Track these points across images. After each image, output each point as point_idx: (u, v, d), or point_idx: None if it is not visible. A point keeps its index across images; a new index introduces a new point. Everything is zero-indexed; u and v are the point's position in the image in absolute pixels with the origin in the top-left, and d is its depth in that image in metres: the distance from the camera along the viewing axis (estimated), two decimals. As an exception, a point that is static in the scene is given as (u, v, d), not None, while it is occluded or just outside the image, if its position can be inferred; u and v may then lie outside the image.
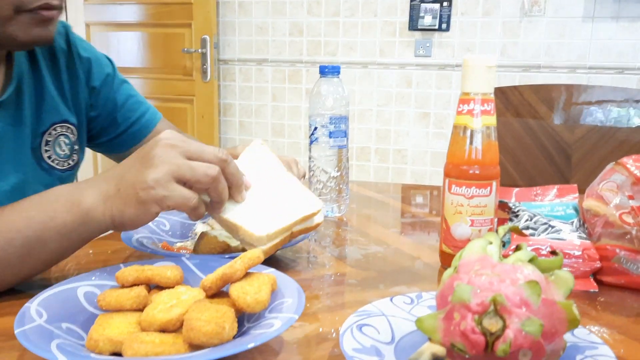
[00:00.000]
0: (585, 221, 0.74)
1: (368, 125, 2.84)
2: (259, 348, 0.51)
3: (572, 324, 0.42)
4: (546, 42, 2.54)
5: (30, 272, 0.62)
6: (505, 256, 0.47)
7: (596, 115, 1.40)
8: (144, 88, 3.01)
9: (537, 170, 1.44)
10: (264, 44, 2.94)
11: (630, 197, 0.65)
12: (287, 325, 0.47)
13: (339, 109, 0.93)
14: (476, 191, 0.67)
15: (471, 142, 0.68)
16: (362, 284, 0.68)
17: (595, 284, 0.66)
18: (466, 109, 0.68)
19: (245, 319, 0.52)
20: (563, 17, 2.50)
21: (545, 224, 0.73)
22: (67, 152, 0.87)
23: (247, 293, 0.49)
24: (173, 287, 0.54)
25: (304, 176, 0.90)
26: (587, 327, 0.57)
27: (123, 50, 3.03)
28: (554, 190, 0.87)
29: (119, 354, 0.46)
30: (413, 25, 2.68)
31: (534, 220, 0.75)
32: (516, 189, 0.91)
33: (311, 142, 0.95)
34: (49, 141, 0.84)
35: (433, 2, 2.62)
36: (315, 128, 0.93)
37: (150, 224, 0.70)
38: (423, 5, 2.64)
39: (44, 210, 0.59)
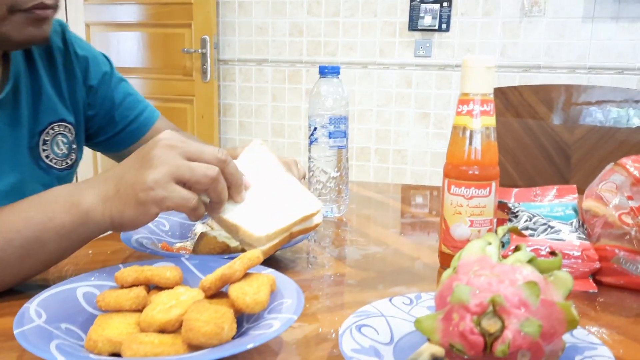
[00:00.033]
0: (584, 222, 0.74)
1: (368, 125, 2.84)
2: (258, 349, 0.51)
3: (571, 324, 0.42)
4: (546, 42, 2.54)
5: (30, 273, 0.62)
6: (505, 257, 0.47)
7: (596, 116, 1.40)
8: (144, 88, 3.01)
9: (536, 171, 1.44)
10: (263, 44, 2.94)
11: (630, 198, 0.65)
12: (286, 325, 0.47)
13: (339, 109, 0.93)
14: (475, 192, 0.67)
15: (470, 143, 0.68)
16: (362, 284, 0.68)
17: (594, 285, 0.66)
18: (465, 109, 0.68)
19: (244, 320, 0.52)
20: (563, 18, 2.50)
21: (544, 224, 0.73)
22: (65, 151, 0.87)
23: (246, 294, 0.49)
24: (172, 288, 0.54)
25: (304, 177, 0.90)
26: (586, 327, 0.57)
27: (123, 50, 3.04)
28: (553, 190, 0.87)
29: (118, 355, 0.46)
30: (413, 25, 2.68)
31: (533, 220, 0.75)
32: (515, 190, 0.91)
33: (311, 143, 0.95)
34: (47, 140, 0.84)
35: (433, 2, 2.62)
36: (315, 128, 0.93)
37: (149, 224, 0.70)
38: (423, 5, 2.64)
39: (43, 211, 0.59)
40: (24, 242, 0.58)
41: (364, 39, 2.78)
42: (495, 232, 0.61)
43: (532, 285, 0.41)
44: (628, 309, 0.62)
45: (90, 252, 0.76)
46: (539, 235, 0.72)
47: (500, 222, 0.80)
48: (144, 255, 0.71)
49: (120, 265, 0.58)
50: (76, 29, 3.01)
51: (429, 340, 0.46)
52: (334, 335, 0.55)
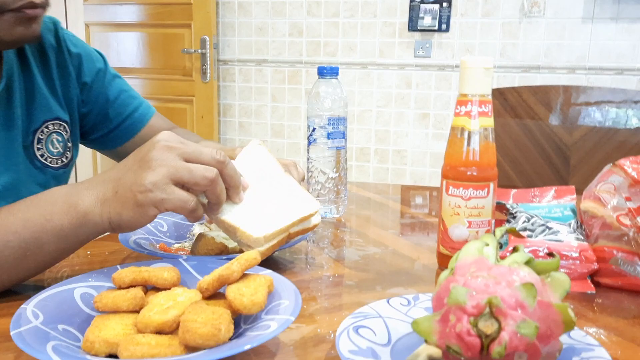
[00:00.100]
0: (582, 223, 0.74)
1: (368, 126, 2.84)
2: (255, 350, 0.51)
3: (568, 326, 0.42)
4: (546, 43, 2.54)
5: (27, 274, 0.62)
6: (503, 257, 0.47)
7: (595, 117, 1.40)
8: (144, 88, 3.01)
9: (535, 172, 1.44)
10: (263, 45, 2.94)
11: (628, 199, 0.65)
12: (283, 327, 0.47)
13: (337, 110, 0.93)
14: (474, 193, 0.67)
15: (469, 144, 0.68)
16: (360, 285, 0.68)
17: (592, 286, 0.66)
18: (464, 110, 0.68)
19: (241, 321, 0.52)
20: (562, 18, 2.50)
21: (542, 225, 0.73)
22: (60, 149, 0.87)
23: (243, 295, 0.49)
24: (170, 289, 0.54)
25: (303, 179, 0.90)
26: (584, 328, 0.57)
27: (123, 50, 3.04)
28: (551, 191, 0.87)
29: (115, 356, 0.46)
30: (413, 26, 2.68)
31: (531, 221, 0.75)
32: (514, 191, 0.91)
33: (309, 143, 0.95)
34: (41, 139, 0.84)
35: (433, 2, 2.62)
36: (314, 129, 0.93)
37: (148, 225, 0.70)
38: (423, 6, 2.64)
39: (41, 212, 0.59)
40: (21, 243, 0.58)
41: (363, 40, 2.78)
42: (494, 233, 0.61)
43: (528, 286, 0.41)
44: (626, 310, 0.62)
45: (88, 252, 0.76)
46: (537, 236, 0.72)
47: (499, 223, 0.80)
48: (142, 256, 0.71)
49: (118, 266, 0.58)
50: (76, 29, 3.03)
51: (426, 341, 0.46)
52: (332, 336, 0.55)
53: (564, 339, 0.46)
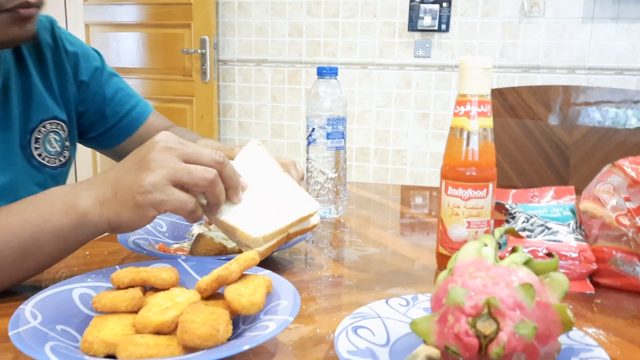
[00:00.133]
0: (582, 223, 0.74)
1: (367, 126, 2.84)
2: (254, 350, 0.51)
3: (566, 326, 0.42)
4: (545, 43, 2.54)
5: (26, 275, 0.61)
6: (502, 258, 0.47)
7: (594, 117, 1.40)
8: (143, 88, 3.01)
9: (535, 172, 1.44)
10: (263, 45, 2.94)
11: (627, 199, 0.65)
12: (282, 327, 0.47)
13: (337, 110, 0.93)
14: (473, 193, 0.67)
15: (468, 144, 0.68)
16: (359, 285, 0.68)
17: (591, 286, 0.66)
18: (463, 110, 0.68)
19: (240, 321, 0.52)
20: (562, 18, 2.50)
21: (541, 225, 0.73)
22: (57, 148, 0.87)
23: (242, 295, 0.49)
24: (168, 289, 0.53)
25: (302, 178, 0.90)
26: (583, 329, 0.57)
27: (122, 50, 3.04)
28: (550, 192, 0.87)
29: (113, 356, 0.46)
30: (412, 26, 2.68)
31: (530, 222, 0.75)
32: (513, 191, 0.90)
33: (309, 144, 0.95)
34: (39, 138, 0.83)
35: (433, 3, 2.62)
36: (313, 129, 0.93)
37: (147, 225, 0.70)
38: (423, 6, 2.64)
39: (40, 213, 0.59)
40: (20, 244, 0.58)
41: (363, 40, 2.78)
42: (493, 233, 0.61)
43: (527, 287, 0.41)
44: (625, 310, 0.62)
45: (87, 253, 0.76)
46: (536, 237, 0.71)
47: (498, 223, 0.80)
48: (141, 256, 0.71)
49: (117, 267, 0.58)
50: (76, 29, 3.03)
51: (424, 342, 0.46)
52: (331, 336, 0.55)
53: (562, 339, 0.46)
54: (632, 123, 1.37)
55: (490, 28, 2.60)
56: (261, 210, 0.66)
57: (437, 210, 1.00)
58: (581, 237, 0.71)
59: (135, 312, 0.50)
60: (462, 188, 0.68)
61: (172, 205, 0.57)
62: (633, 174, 0.65)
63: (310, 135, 0.94)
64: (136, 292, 0.52)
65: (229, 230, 0.64)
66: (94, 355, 0.46)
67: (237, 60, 2.99)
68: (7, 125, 0.80)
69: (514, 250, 0.48)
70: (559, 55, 2.53)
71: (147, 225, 0.77)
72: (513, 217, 0.78)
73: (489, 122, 0.68)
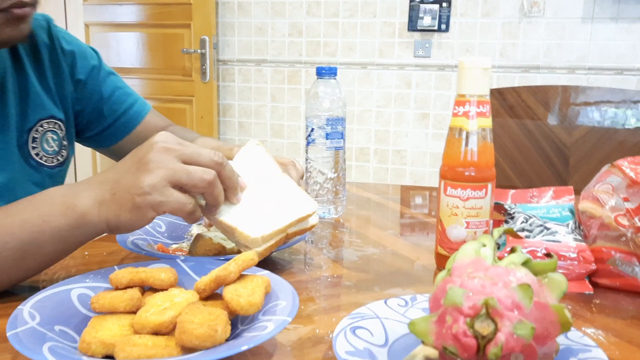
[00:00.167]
0: (581, 223, 0.74)
1: (367, 126, 2.84)
2: (253, 350, 0.51)
3: (565, 327, 0.42)
4: (545, 43, 2.54)
5: (25, 275, 0.61)
6: (501, 258, 0.47)
7: (594, 117, 1.40)
8: (143, 88, 3.01)
9: (534, 172, 1.44)
10: (263, 45, 2.94)
11: (626, 200, 0.65)
12: (280, 327, 0.47)
13: (336, 110, 0.93)
14: (471, 193, 0.67)
15: (467, 144, 0.68)
16: (358, 286, 0.68)
17: (590, 286, 0.66)
18: (462, 110, 0.68)
19: (238, 322, 0.52)
20: (562, 18, 2.50)
21: (540, 226, 0.73)
22: (55, 148, 0.87)
23: (240, 295, 0.49)
24: (167, 290, 0.53)
25: (302, 177, 0.90)
26: (582, 329, 0.57)
27: (122, 50, 3.04)
28: (550, 192, 0.87)
29: (111, 357, 0.46)
30: (412, 26, 2.68)
31: (529, 222, 0.75)
32: (512, 191, 0.90)
33: (308, 144, 0.95)
34: (36, 138, 0.83)
35: (432, 2, 2.62)
36: (312, 129, 0.93)
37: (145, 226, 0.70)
38: (422, 6, 2.64)
39: (39, 214, 0.59)
40: (19, 244, 0.58)
41: (363, 40, 2.78)
42: (491, 233, 0.61)
43: (525, 287, 0.41)
44: (624, 310, 0.62)
45: (86, 253, 0.76)
46: (535, 237, 0.71)
47: (497, 223, 0.80)
48: (140, 256, 0.71)
49: (116, 267, 0.58)
50: (75, 29, 3.03)
51: (423, 342, 0.46)
52: (329, 337, 0.55)
53: (561, 339, 0.46)
54: (632, 123, 1.37)
55: (490, 28, 2.60)
56: (260, 210, 0.66)
57: (436, 210, 1.01)
58: (580, 238, 0.71)
59: (134, 312, 0.50)
60: (461, 188, 0.68)
61: (171, 206, 0.57)
62: (632, 174, 0.65)
63: (309, 135, 0.94)
64: (134, 292, 0.52)
65: (227, 231, 0.64)
66: (92, 356, 0.46)
67: (236, 60, 2.99)
68: (4, 125, 0.79)
69: (512, 250, 0.48)
70: (558, 55, 2.53)
71: (146, 226, 0.77)
72: (512, 218, 0.78)
73: (488, 122, 0.68)
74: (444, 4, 2.61)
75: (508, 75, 2.59)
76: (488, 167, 0.68)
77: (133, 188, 0.56)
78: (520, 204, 0.84)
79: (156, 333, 0.47)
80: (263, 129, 3.01)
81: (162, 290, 0.54)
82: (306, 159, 0.96)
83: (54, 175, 0.87)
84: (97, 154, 3.09)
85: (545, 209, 0.79)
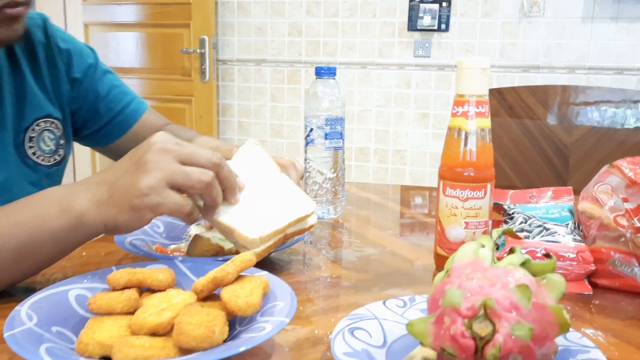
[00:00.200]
0: (580, 223, 0.74)
1: (367, 125, 2.84)
2: (251, 351, 0.51)
3: (563, 328, 0.42)
4: (545, 42, 2.54)
5: (22, 276, 0.61)
6: (500, 258, 0.47)
7: (594, 117, 1.40)
8: (143, 88, 3.01)
9: (534, 172, 1.44)
10: (262, 45, 2.94)
11: (625, 200, 0.65)
12: (278, 328, 0.47)
13: (335, 110, 0.93)
14: (471, 193, 0.67)
15: (465, 144, 0.67)
16: (357, 286, 0.68)
17: (589, 287, 0.66)
18: (460, 111, 0.68)
19: (236, 322, 0.52)
20: (562, 18, 2.50)
21: (540, 226, 0.73)
22: (52, 147, 0.86)
23: (238, 296, 0.49)
24: (164, 290, 0.53)
25: (302, 177, 0.89)
26: (581, 330, 0.57)
27: (122, 50, 3.04)
28: (549, 192, 0.86)
29: (108, 358, 0.46)
30: (412, 25, 2.68)
31: (528, 222, 0.75)
32: (511, 191, 0.90)
33: (307, 144, 0.95)
34: (33, 137, 0.83)
35: (432, 2, 2.62)
36: (311, 129, 0.93)
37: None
38: (422, 5, 2.64)
39: (36, 215, 0.58)
40: (16, 245, 0.58)
41: (363, 39, 2.78)
42: (490, 234, 0.61)
43: (523, 288, 0.41)
44: (623, 311, 0.62)
45: (84, 254, 0.76)
46: (534, 237, 0.71)
47: (496, 223, 0.80)
48: (138, 257, 0.71)
49: (113, 268, 0.58)
50: (75, 29, 3.03)
51: (421, 343, 0.46)
52: (328, 337, 0.55)
53: (560, 340, 0.46)
54: (631, 123, 1.37)
55: (490, 28, 2.60)
56: (258, 210, 0.66)
57: (435, 210, 1.00)
58: (579, 238, 0.71)
59: (131, 313, 0.50)
60: (460, 189, 0.67)
61: (169, 208, 0.57)
62: (631, 174, 0.65)
63: (308, 135, 0.94)
64: (132, 293, 0.52)
65: (226, 231, 0.64)
66: (89, 357, 0.46)
67: (236, 60, 2.99)
68: (0, 125, 0.79)
69: (511, 251, 0.48)
70: (558, 55, 2.53)
71: (144, 226, 0.77)
72: (511, 218, 0.78)
73: (486, 122, 0.68)
74: (444, 4, 2.61)
75: (508, 75, 2.59)
76: (487, 167, 0.68)
77: (131, 189, 0.56)
78: (520, 205, 0.83)
79: (154, 334, 0.47)
80: (263, 128, 3.01)
81: (160, 291, 0.53)
82: (305, 159, 0.95)
83: (51, 175, 0.87)
84: (97, 153, 3.08)
85: (545, 209, 0.79)
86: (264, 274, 0.57)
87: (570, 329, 0.48)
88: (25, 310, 0.49)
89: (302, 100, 2.92)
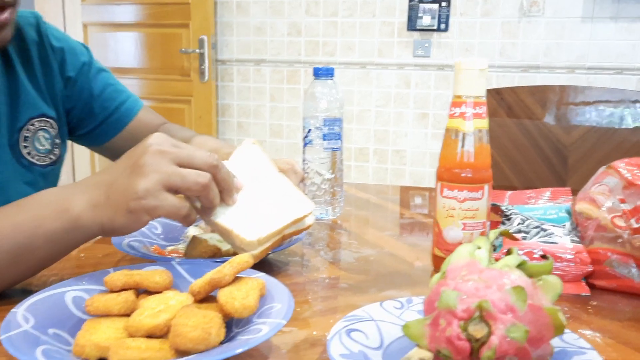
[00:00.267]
0: (577, 224, 0.74)
1: (367, 126, 2.84)
2: (248, 353, 0.51)
3: (558, 329, 0.42)
4: (545, 42, 2.54)
5: (19, 278, 0.61)
6: (497, 260, 0.47)
7: (592, 117, 1.40)
8: (142, 88, 3.01)
9: (533, 172, 1.44)
10: (262, 44, 2.93)
11: (622, 201, 0.65)
12: (274, 330, 0.47)
13: (333, 111, 0.93)
14: (468, 194, 0.67)
15: (463, 145, 0.68)
16: (354, 288, 0.68)
17: (587, 288, 0.66)
18: (458, 111, 0.68)
19: (233, 324, 0.52)
20: (562, 18, 2.50)
21: (537, 227, 0.73)
22: (47, 147, 0.86)
23: (235, 298, 0.49)
24: (161, 292, 0.53)
25: (302, 180, 0.89)
26: (579, 331, 0.57)
27: (120, 50, 3.04)
28: (547, 193, 0.86)
29: (105, 360, 0.46)
30: (412, 25, 2.68)
31: (526, 223, 0.75)
32: (509, 192, 0.90)
33: (305, 145, 0.95)
34: (28, 137, 0.82)
35: (432, 2, 2.62)
36: (309, 130, 0.93)
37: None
38: (422, 5, 2.64)
39: (32, 217, 0.58)
40: (13, 247, 0.58)
41: (362, 39, 2.78)
42: (487, 235, 0.61)
43: (519, 290, 0.41)
44: (620, 312, 0.62)
45: (82, 255, 0.76)
46: (531, 238, 0.71)
47: (494, 224, 0.80)
48: (136, 258, 0.71)
49: (110, 270, 0.58)
50: (74, 29, 3.03)
51: (418, 345, 0.46)
52: (325, 339, 0.55)
53: (556, 342, 0.46)
54: (630, 123, 1.37)
55: (489, 27, 2.59)
56: (256, 211, 0.66)
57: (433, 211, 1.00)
58: (577, 239, 0.71)
59: (128, 315, 0.50)
60: (457, 190, 0.67)
61: (166, 210, 0.57)
62: (628, 175, 0.65)
63: (306, 136, 0.94)
64: (129, 295, 0.52)
65: (223, 233, 0.64)
66: (86, 359, 0.46)
67: (235, 60, 2.99)
68: None
69: (509, 252, 0.48)
70: (558, 54, 2.53)
71: (142, 228, 0.77)
72: (509, 219, 0.78)
73: (484, 123, 0.68)
74: (443, 4, 2.61)
75: (508, 75, 2.59)
76: (484, 168, 0.68)
77: (127, 192, 0.56)
78: (517, 205, 0.84)
79: (150, 336, 0.47)
80: (262, 129, 3.01)
81: (157, 292, 0.53)
82: (303, 160, 0.95)
83: (47, 175, 0.86)
84: (96, 153, 3.08)
85: (543, 210, 0.79)
86: (261, 275, 0.57)
87: (568, 330, 0.48)
88: (21, 313, 0.49)
89: (301, 101, 2.91)
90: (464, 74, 0.67)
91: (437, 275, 0.47)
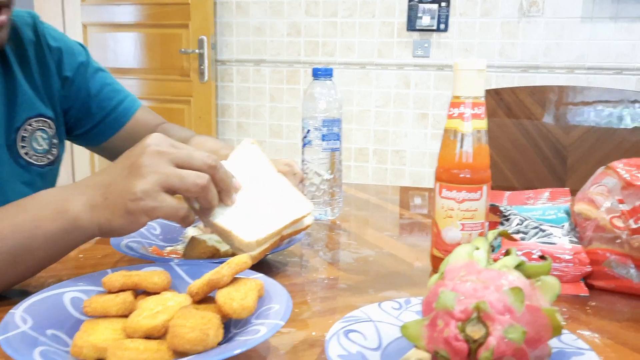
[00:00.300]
0: (576, 225, 0.74)
1: (366, 126, 2.84)
2: (246, 354, 0.51)
3: (556, 330, 0.42)
4: (545, 42, 2.54)
5: (16, 280, 0.61)
6: (496, 260, 0.47)
7: (592, 117, 1.40)
8: (141, 89, 3.01)
9: (533, 172, 1.44)
10: (261, 45, 2.93)
11: (621, 201, 0.65)
12: (272, 331, 0.47)
13: (332, 111, 0.93)
14: (467, 195, 0.67)
15: (462, 146, 0.68)
16: (353, 288, 0.68)
17: (586, 288, 0.66)
18: (457, 112, 0.68)
19: (231, 325, 0.52)
20: (561, 18, 2.50)
21: (536, 227, 0.73)
22: (45, 147, 0.86)
23: (233, 299, 0.49)
24: (160, 293, 0.53)
25: (302, 181, 0.89)
26: (578, 331, 0.57)
27: (120, 50, 3.04)
28: (546, 193, 0.86)
29: (103, 361, 0.46)
30: (411, 25, 2.68)
31: (524, 224, 0.75)
32: (508, 193, 0.90)
33: (304, 145, 0.94)
34: (25, 137, 0.82)
35: (431, 2, 2.62)
36: (308, 131, 0.93)
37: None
38: (421, 5, 2.64)
39: (30, 218, 0.58)
40: (11, 249, 0.58)
41: (362, 39, 2.78)
42: (486, 236, 0.61)
43: (516, 291, 0.41)
44: (619, 313, 0.62)
45: (80, 256, 0.76)
46: (530, 239, 0.71)
47: (492, 225, 0.80)
48: (135, 259, 0.71)
49: (109, 270, 0.58)
50: (73, 29, 3.03)
51: (416, 345, 0.46)
52: (324, 340, 0.55)
53: (554, 343, 0.46)
54: (629, 123, 1.37)
55: (489, 28, 2.59)
56: (255, 212, 0.65)
57: (432, 212, 1.00)
58: (575, 239, 0.71)
59: (126, 316, 0.50)
60: (456, 190, 0.67)
61: (164, 212, 0.56)
62: (627, 176, 0.65)
63: (305, 136, 0.94)
64: (127, 296, 0.52)
65: (222, 233, 0.64)
66: (83, 360, 0.46)
67: (235, 60, 2.99)
68: None
69: (507, 253, 0.48)
70: (558, 54, 2.53)
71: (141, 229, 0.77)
72: (507, 220, 0.78)
73: (483, 124, 0.68)
74: (443, 4, 2.61)
75: (507, 75, 2.59)
76: (483, 169, 0.68)
77: (125, 193, 0.56)
78: (516, 206, 0.83)
79: (148, 337, 0.47)
80: (262, 129, 3.01)
81: (155, 293, 0.53)
82: (302, 161, 0.95)
83: (45, 175, 0.86)
84: (95, 153, 3.08)
85: (541, 210, 0.79)
86: (259, 276, 0.57)
87: (566, 331, 0.48)
88: (19, 314, 0.49)
89: (301, 101, 2.91)
90: (462, 75, 0.67)
91: (436, 276, 0.47)
